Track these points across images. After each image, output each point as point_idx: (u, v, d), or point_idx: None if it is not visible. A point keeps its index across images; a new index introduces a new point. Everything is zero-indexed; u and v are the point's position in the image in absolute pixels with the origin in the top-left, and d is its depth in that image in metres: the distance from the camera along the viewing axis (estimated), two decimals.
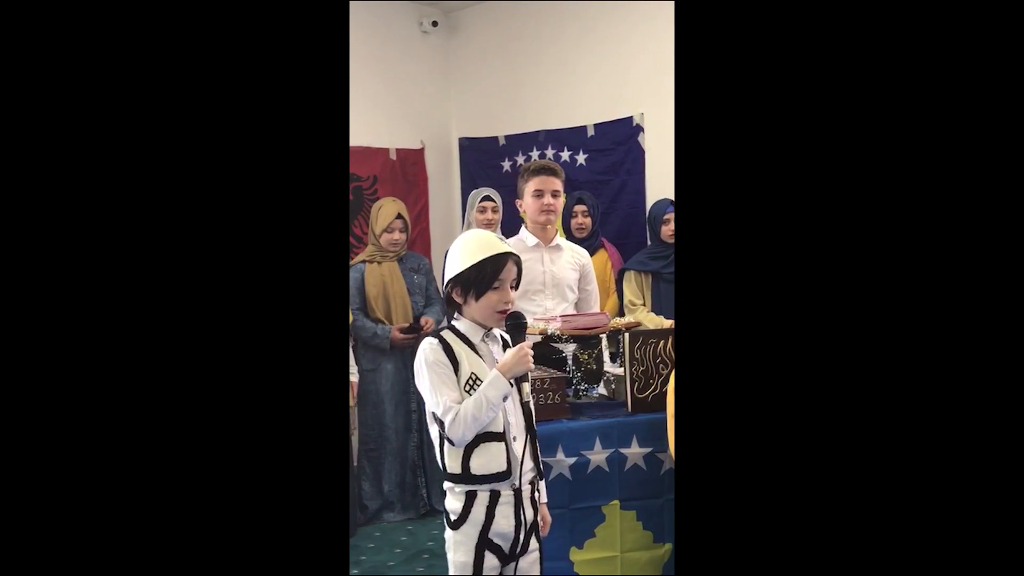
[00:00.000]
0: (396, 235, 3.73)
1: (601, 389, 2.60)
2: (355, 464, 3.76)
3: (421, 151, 4.77)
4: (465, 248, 1.81)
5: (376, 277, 3.72)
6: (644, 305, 3.52)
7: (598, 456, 2.31)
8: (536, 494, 1.86)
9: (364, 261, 3.77)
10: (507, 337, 1.85)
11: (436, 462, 3.97)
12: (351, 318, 3.60)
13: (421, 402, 3.71)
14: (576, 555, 2.31)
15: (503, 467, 1.77)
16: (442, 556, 2.83)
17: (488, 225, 3.81)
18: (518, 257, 1.83)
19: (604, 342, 2.64)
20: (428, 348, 1.79)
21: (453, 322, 1.86)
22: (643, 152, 4.32)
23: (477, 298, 1.79)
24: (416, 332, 3.69)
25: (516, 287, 1.83)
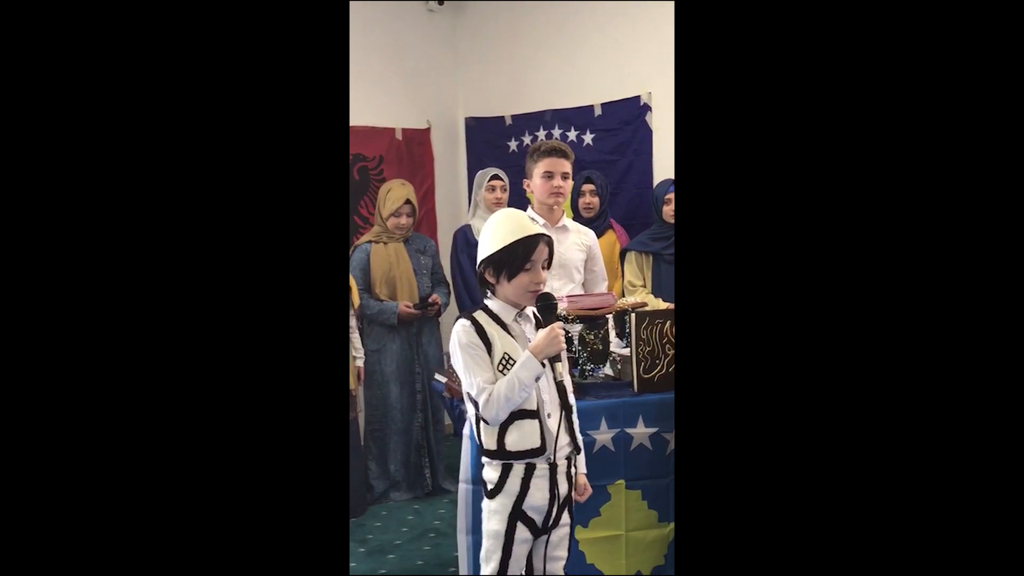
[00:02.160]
0: (403, 220, 3.73)
1: (607, 369, 2.60)
2: (361, 444, 3.77)
3: (427, 131, 4.74)
4: (497, 229, 1.83)
5: (382, 258, 3.72)
6: (644, 286, 3.51)
7: (604, 436, 2.31)
8: (572, 468, 1.90)
9: (370, 241, 3.76)
10: (540, 316, 1.87)
11: (440, 443, 3.96)
12: (358, 300, 3.59)
13: (426, 382, 3.76)
14: (581, 534, 2.32)
15: (537, 444, 1.81)
16: (448, 535, 2.85)
17: (497, 204, 3.81)
18: (549, 238, 1.85)
19: (610, 322, 2.63)
20: (461, 330, 1.81)
21: (486, 302, 1.89)
22: (650, 132, 4.29)
23: (509, 279, 1.81)
24: (424, 308, 3.70)
25: (548, 267, 1.86)
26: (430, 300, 3.73)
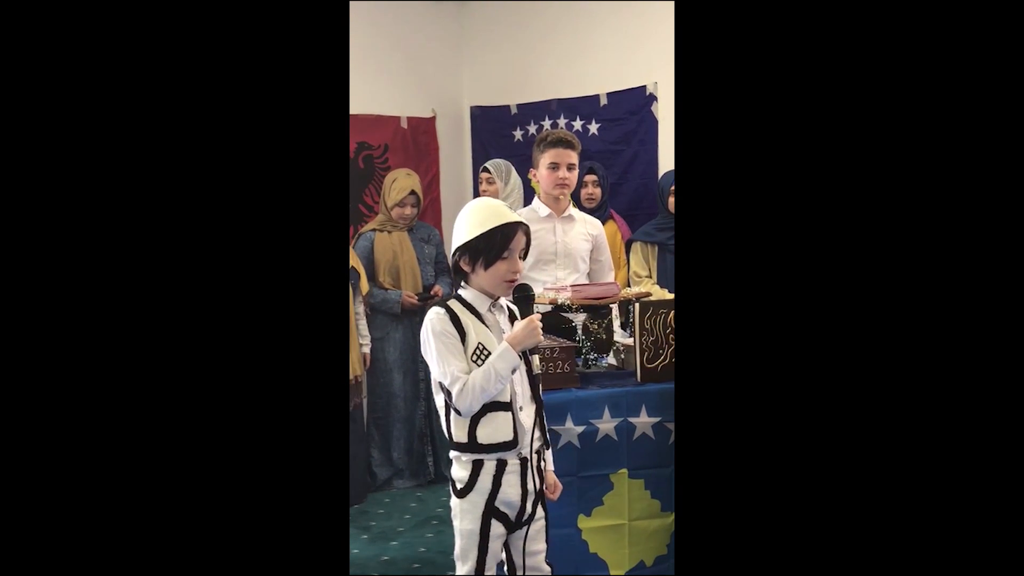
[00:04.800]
0: (408, 210, 3.74)
1: (610, 359, 2.61)
2: (364, 431, 3.79)
3: (432, 120, 4.73)
4: (474, 216, 1.79)
5: (386, 246, 3.73)
6: (650, 277, 3.50)
7: (607, 425, 2.31)
8: (543, 463, 1.87)
9: (374, 230, 3.77)
10: (514, 308, 1.85)
11: (443, 431, 3.97)
12: (367, 288, 3.60)
13: (429, 370, 3.77)
14: (584, 523, 2.33)
15: (509, 436, 1.78)
16: (451, 522, 2.86)
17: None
18: (527, 227, 1.81)
19: (614, 312, 2.64)
20: (435, 318, 1.78)
21: (460, 291, 1.85)
22: (656, 122, 4.28)
23: (486, 267, 1.77)
24: (426, 300, 3.71)
25: (525, 257, 1.82)
26: (432, 292, 3.74)
